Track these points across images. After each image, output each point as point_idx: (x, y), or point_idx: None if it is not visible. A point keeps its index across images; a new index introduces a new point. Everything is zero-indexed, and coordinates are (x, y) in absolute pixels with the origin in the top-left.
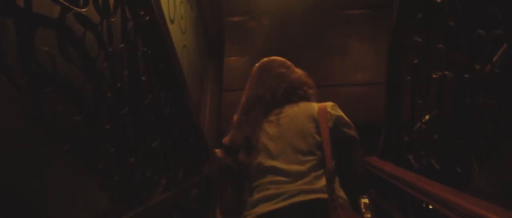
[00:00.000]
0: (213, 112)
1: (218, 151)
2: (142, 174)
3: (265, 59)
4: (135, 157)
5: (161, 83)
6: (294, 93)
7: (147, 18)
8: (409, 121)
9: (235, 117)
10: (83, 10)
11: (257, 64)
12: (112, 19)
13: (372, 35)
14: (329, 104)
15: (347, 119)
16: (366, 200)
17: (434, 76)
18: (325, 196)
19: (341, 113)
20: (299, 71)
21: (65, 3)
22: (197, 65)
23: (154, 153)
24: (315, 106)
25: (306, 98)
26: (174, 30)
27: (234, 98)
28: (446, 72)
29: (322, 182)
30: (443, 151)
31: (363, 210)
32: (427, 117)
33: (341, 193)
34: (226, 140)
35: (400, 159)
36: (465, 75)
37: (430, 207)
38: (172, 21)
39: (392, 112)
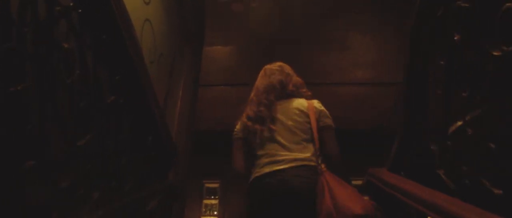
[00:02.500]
0: (185, 109)
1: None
2: (54, 184)
3: (278, 62)
4: (36, 158)
5: (103, 57)
6: (295, 91)
7: None
8: (440, 123)
9: (253, 95)
10: None
11: (268, 65)
12: None
13: (375, 28)
14: (315, 101)
15: (326, 111)
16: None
17: (495, 54)
18: (313, 163)
19: (323, 108)
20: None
21: None
22: (166, 50)
23: (81, 153)
24: (305, 102)
25: (300, 96)
26: None
27: (213, 95)
28: None
29: (310, 154)
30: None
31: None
32: (467, 118)
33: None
34: (250, 112)
35: (422, 175)
36: None
37: None
38: None
39: (412, 111)
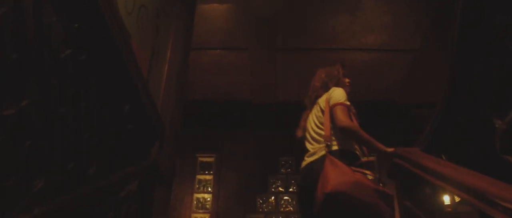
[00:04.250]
0: (174, 73)
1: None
2: None
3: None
4: None
5: None
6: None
7: None
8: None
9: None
10: None
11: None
12: None
13: None
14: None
15: (336, 93)
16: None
17: None
18: (323, 152)
19: (335, 90)
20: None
21: None
22: (150, 2)
23: (10, 126)
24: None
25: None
26: None
27: (208, 60)
28: None
29: (322, 144)
30: None
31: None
32: None
33: (335, 147)
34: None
35: (475, 160)
36: None
37: None
38: None
39: (461, 75)
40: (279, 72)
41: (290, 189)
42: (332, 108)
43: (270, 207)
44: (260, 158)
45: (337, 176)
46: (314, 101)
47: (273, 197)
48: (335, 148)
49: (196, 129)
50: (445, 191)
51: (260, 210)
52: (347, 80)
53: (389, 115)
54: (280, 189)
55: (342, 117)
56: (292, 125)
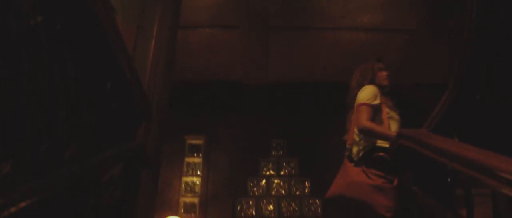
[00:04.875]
0: (162, 51)
1: None
2: None
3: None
4: None
5: None
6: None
7: None
8: None
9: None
10: None
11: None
12: None
13: None
14: None
15: (362, 93)
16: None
17: None
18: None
19: (363, 90)
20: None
21: None
22: None
23: None
24: None
25: None
26: None
27: (197, 39)
28: None
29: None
30: None
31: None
32: None
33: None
34: None
35: (487, 139)
36: None
37: None
38: None
39: (477, 55)
40: (271, 52)
41: (282, 172)
42: (356, 109)
43: (261, 191)
44: (251, 140)
45: (336, 179)
46: (353, 102)
47: (264, 180)
48: (356, 148)
49: (184, 110)
50: (456, 174)
51: (251, 193)
52: (384, 73)
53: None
54: (272, 172)
55: (360, 119)
56: (285, 106)
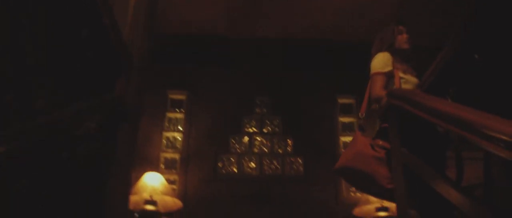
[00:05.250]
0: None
1: None
2: None
3: None
4: None
5: None
6: None
7: None
8: None
9: None
10: None
11: None
12: None
13: None
14: None
15: (373, 63)
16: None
17: None
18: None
19: (374, 59)
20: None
21: None
22: None
23: None
24: None
25: None
26: None
27: None
28: None
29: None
30: None
31: None
32: None
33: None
34: None
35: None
36: None
37: None
38: None
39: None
40: (259, 6)
41: (265, 130)
42: (370, 78)
43: (243, 148)
44: (235, 97)
45: (346, 150)
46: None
47: (246, 138)
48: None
49: (167, 64)
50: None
51: (233, 150)
52: (405, 37)
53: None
54: (255, 129)
55: (372, 89)
56: (271, 63)
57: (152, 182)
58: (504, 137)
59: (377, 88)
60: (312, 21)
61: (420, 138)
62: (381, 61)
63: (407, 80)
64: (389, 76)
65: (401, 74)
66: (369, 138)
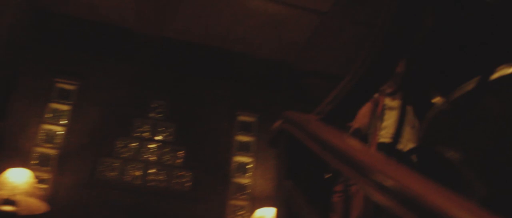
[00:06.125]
0: None
1: None
2: None
3: None
4: None
5: None
6: None
7: None
8: None
9: None
10: None
11: None
12: None
13: None
14: None
15: None
16: None
17: None
18: None
19: None
20: None
21: None
22: None
23: None
24: None
25: None
26: None
27: None
28: None
29: None
30: None
31: None
32: None
33: None
34: None
35: None
36: None
37: None
38: None
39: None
40: (171, 4)
41: (156, 137)
42: None
43: (130, 153)
44: (130, 96)
45: None
46: None
47: (135, 143)
48: None
49: (59, 49)
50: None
51: (117, 155)
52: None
53: (282, 78)
54: (145, 134)
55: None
56: (175, 66)
57: (15, 179)
58: (381, 180)
59: (356, 119)
60: (223, 30)
61: (310, 169)
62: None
63: (392, 107)
64: (375, 102)
65: (387, 100)
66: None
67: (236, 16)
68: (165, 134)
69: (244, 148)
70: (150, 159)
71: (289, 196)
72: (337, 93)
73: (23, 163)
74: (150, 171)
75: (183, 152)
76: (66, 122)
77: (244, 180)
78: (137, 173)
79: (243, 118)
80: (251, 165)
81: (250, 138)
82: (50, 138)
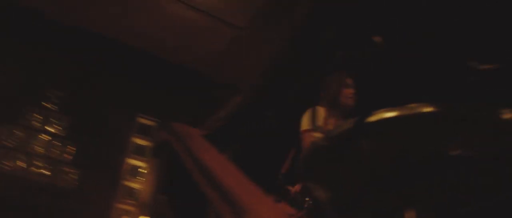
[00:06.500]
0: None
1: None
2: None
3: None
4: None
5: None
6: None
7: None
8: None
9: None
10: None
11: None
12: None
13: None
14: None
15: (304, 118)
16: None
17: None
18: None
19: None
20: None
21: None
22: None
23: None
24: None
25: None
26: None
27: None
28: None
29: None
30: None
31: None
32: None
33: None
34: None
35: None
36: None
37: None
38: None
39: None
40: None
41: (48, 128)
42: None
43: (15, 143)
44: (25, 81)
45: None
46: None
47: (22, 132)
48: None
49: None
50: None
51: (3, 143)
52: (350, 91)
53: (192, 86)
54: (35, 124)
55: (302, 149)
56: (84, 58)
57: None
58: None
59: (303, 146)
60: (137, 29)
61: (186, 186)
62: (310, 117)
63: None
64: (322, 131)
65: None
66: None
67: (152, 17)
68: (57, 127)
69: (140, 152)
70: (38, 150)
71: (161, 211)
72: (228, 112)
73: None
74: (35, 164)
75: (74, 147)
76: None
77: (135, 185)
78: (21, 164)
79: (143, 121)
80: (145, 170)
81: (148, 142)
82: None
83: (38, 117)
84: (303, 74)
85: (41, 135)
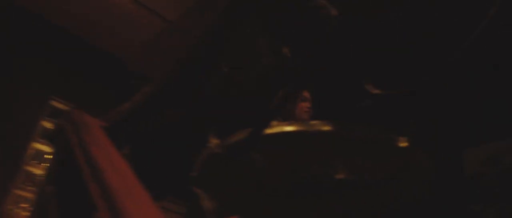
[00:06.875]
0: None
1: None
2: None
3: None
4: None
5: None
6: None
7: None
8: None
9: None
10: None
11: None
12: None
13: None
14: None
15: None
16: None
17: None
18: None
19: None
20: None
21: None
22: None
23: None
24: None
25: None
26: None
27: None
28: None
29: None
30: None
31: None
32: None
33: None
34: None
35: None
36: None
37: None
38: None
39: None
40: None
41: None
42: None
43: None
44: None
45: None
46: None
47: None
48: None
49: None
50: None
51: None
52: (306, 105)
53: (113, 73)
54: None
55: None
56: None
57: None
58: None
59: None
60: (62, 6)
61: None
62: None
63: None
64: None
65: None
66: None
67: (92, 8)
68: None
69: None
70: None
71: (46, 204)
72: (134, 103)
73: None
74: None
75: None
76: None
77: (38, 171)
78: None
79: (56, 104)
80: (51, 156)
81: None
82: None
83: None
84: (217, 69)
85: None
